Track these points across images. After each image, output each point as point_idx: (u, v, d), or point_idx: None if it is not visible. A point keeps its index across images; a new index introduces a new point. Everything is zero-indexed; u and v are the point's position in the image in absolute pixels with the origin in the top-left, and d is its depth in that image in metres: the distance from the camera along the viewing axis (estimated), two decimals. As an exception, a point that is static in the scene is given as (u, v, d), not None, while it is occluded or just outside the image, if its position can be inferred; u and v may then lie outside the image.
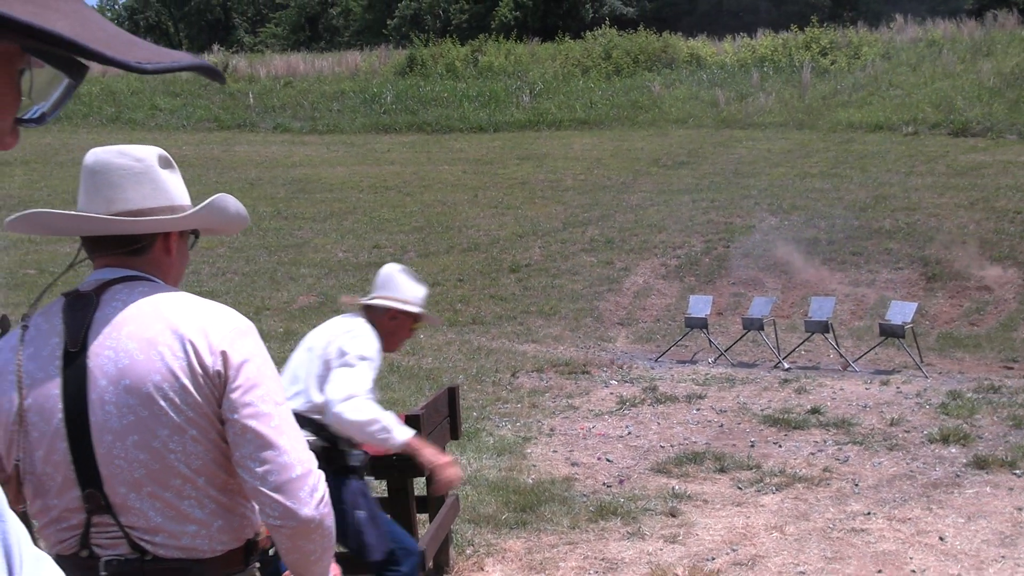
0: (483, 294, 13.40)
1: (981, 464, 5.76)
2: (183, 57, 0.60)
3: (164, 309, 1.56)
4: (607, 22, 31.81)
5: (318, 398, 3.09)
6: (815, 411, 7.36)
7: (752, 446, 6.55)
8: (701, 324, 10.13)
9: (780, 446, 6.51)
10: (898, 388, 8.26)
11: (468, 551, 4.67)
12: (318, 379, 3.12)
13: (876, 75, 24.80)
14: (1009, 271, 12.60)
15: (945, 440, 6.37)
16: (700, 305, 10.36)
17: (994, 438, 6.42)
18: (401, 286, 3.35)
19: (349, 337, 3.16)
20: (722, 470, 6.02)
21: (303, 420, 3.06)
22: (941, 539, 4.66)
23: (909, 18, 29.93)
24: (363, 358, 3.10)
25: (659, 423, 7.28)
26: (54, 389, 1.53)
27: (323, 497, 1.60)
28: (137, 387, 1.51)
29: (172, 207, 1.65)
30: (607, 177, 19.18)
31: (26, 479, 1.56)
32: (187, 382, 1.52)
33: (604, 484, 5.74)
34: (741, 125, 22.68)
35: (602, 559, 4.58)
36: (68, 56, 0.55)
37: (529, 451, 6.56)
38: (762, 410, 7.57)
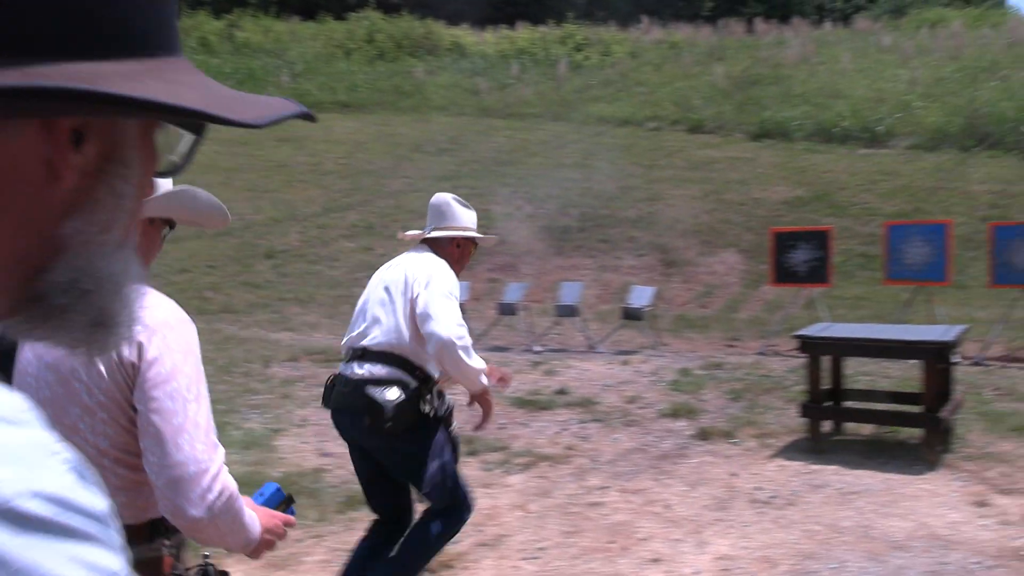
0: (235, 281, 12.85)
1: (704, 435, 6.29)
2: (287, 106, 0.67)
3: None
4: (371, 5, 31.45)
5: (407, 333, 3.19)
6: (561, 391, 7.71)
7: (502, 428, 6.75)
8: (458, 310, 10.33)
9: (528, 427, 6.76)
10: (636, 368, 8.85)
11: (206, 551, 4.44)
12: (405, 316, 3.20)
13: (625, 72, 26.32)
14: (733, 257, 13.87)
15: (675, 414, 6.89)
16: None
17: (716, 411, 7.03)
18: (459, 214, 3.46)
19: (431, 273, 3.22)
20: (472, 453, 6.14)
21: (389, 356, 3.20)
22: (667, 507, 5.03)
23: (654, 21, 32.03)
24: (451, 293, 3.20)
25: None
26: None
27: (217, 498, 1.58)
28: (56, 366, 1.60)
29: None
30: (369, 162, 19.01)
31: None
32: (101, 367, 1.58)
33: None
34: (501, 115, 23.28)
35: (348, 550, 4.52)
36: (195, 121, 0.64)
37: (279, 443, 6.37)
38: (512, 392, 7.82)
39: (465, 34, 29.37)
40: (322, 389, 3.64)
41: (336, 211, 16.04)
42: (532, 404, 7.32)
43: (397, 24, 28.74)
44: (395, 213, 15.60)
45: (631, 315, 9.85)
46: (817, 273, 9.52)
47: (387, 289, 3.30)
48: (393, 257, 3.64)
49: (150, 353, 1.59)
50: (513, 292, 10.64)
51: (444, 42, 28.29)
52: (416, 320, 3.18)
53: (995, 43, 24.63)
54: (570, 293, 10.28)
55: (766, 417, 6.70)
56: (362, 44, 27.68)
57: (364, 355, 3.26)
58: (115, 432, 1.61)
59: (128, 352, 1.58)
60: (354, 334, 3.39)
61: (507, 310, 10.29)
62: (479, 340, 10.47)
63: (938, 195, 15.68)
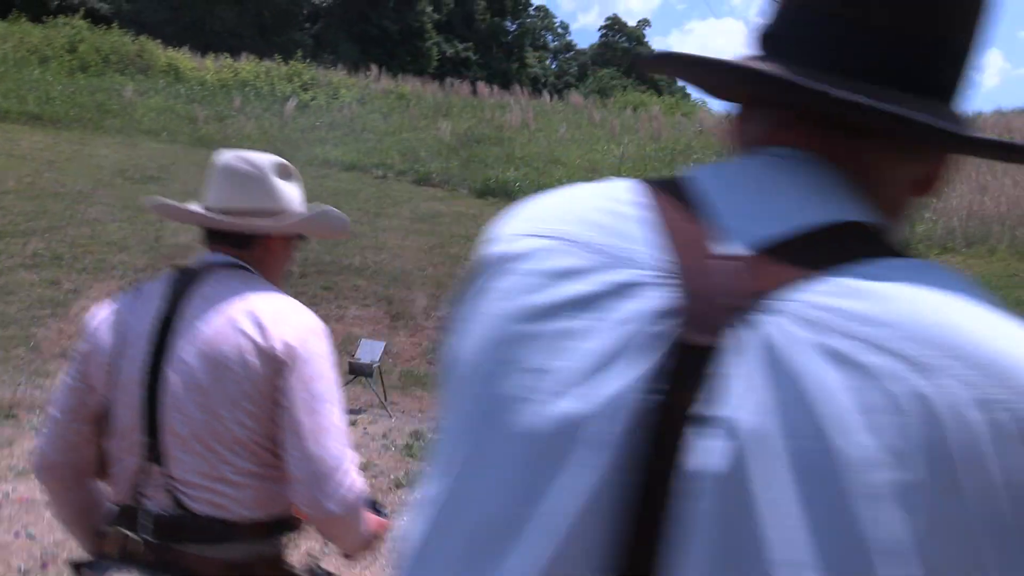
0: None
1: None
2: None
3: (250, 295, 1.75)
4: (77, 12, 28.47)
5: None
6: (283, 457, 6.96)
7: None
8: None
9: (245, 501, 5.95)
10: (365, 429, 8.26)
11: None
12: None
13: (352, 117, 25.92)
14: (461, 313, 13.77)
15: (411, 485, 6.40)
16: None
17: (452, 480, 6.65)
18: None
19: None
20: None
21: None
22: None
23: (383, 70, 32.06)
24: None
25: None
26: (144, 343, 1.71)
27: (350, 495, 1.68)
28: (210, 355, 1.67)
29: (280, 211, 1.88)
30: (60, 183, 16.83)
31: (108, 418, 1.73)
32: (254, 361, 1.66)
33: (21, 571, 4.55)
34: (219, 146, 21.70)
35: None
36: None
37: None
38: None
39: (183, 58, 27.44)
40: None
41: (15, 236, 13.90)
42: (250, 473, 6.49)
43: (105, 37, 26.16)
44: (89, 244, 13.81)
45: (359, 370, 9.26)
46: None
47: None
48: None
49: (300, 354, 1.69)
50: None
51: (159, 63, 26.18)
52: None
53: (688, 129, 27.32)
54: (293, 345, 9.52)
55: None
56: (62, 53, 24.82)
57: None
58: (255, 424, 1.68)
59: (280, 350, 1.67)
60: None
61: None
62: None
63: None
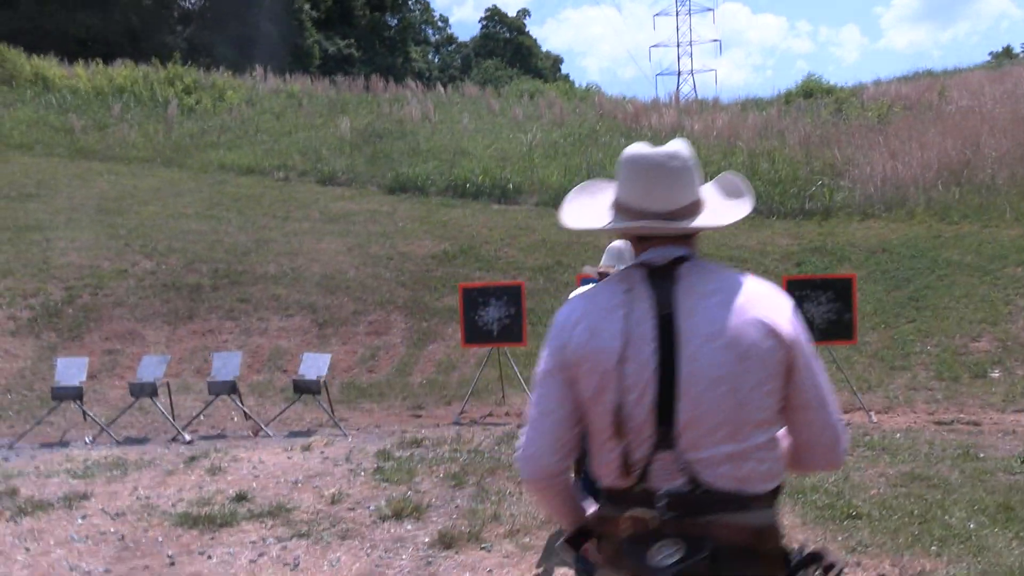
0: None
1: (447, 543, 5.03)
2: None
3: (738, 284, 1.84)
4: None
5: None
6: (241, 497, 5.97)
7: (172, 564, 4.88)
8: (75, 394, 7.95)
9: (210, 557, 4.96)
10: (323, 452, 7.32)
11: None
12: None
13: (243, 119, 24.48)
14: (392, 315, 12.85)
15: (398, 515, 5.54)
16: (72, 370, 8.16)
17: (443, 503, 5.82)
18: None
19: None
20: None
21: None
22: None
23: (269, 70, 30.53)
24: None
25: (27, 548, 5.10)
26: (649, 344, 1.78)
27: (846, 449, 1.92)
28: (731, 347, 1.76)
29: (699, 200, 1.93)
30: (-76, 208, 15.05)
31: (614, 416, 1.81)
32: (770, 345, 1.77)
33: None
34: (101, 157, 20.14)
35: None
36: None
37: None
38: (173, 505, 5.90)
39: (51, 66, 25.32)
40: None
41: None
42: (207, 521, 5.49)
43: (-41, 47, 23.89)
44: (-34, 272, 12.28)
45: (305, 388, 8.30)
46: (510, 331, 8.79)
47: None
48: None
49: (800, 332, 1.83)
50: (150, 367, 8.51)
51: (24, 72, 24.06)
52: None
53: (588, 114, 26.95)
54: (226, 365, 8.44)
55: (508, 508, 5.62)
56: (-90, 67, 22.52)
57: None
58: (773, 402, 1.80)
59: (787, 332, 1.79)
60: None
61: (144, 391, 8.15)
62: (101, 432, 8.18)
63: (574, 249, 16.16)
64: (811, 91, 31.78)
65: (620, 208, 1.92)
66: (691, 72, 63.78)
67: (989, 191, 16.72)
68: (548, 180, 19.86)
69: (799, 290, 8.42)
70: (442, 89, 32.49)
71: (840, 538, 4.81)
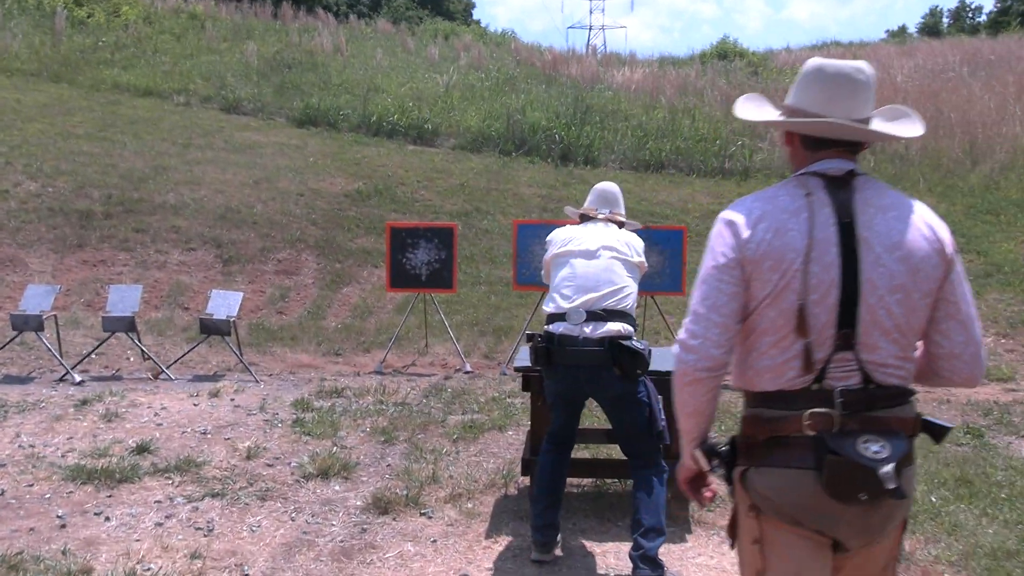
0: None
1: (382, 507, 4.52)
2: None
3: (906, 201, 1.98)
4: None
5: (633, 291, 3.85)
6: (143, 449, 5.30)
7: (63, 526, 4.23)
8: (-55, 325, 7.01)
9: (108, 519, 4.33)
10: (233, 400, 6.67)
11: None
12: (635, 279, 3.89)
13: (140, 38, 22.79)
14: (303, 254, 12.10)
15: (324, 474, 5.00)
16: (-58, 298, 7.20)
17: (374, 462, 5.30)
18: (623, 203, 4.21)
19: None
20: (18, 580, 3.64)
21: (625, 315, 3.75)
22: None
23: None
24: None
25: None
26: (832, 248, 1.88)
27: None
28: (907, 259, 1.90)
29: (870, 118, 2.01)
30: None
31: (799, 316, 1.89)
32: (936, 262, 1.92)
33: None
34: (-21, 66, 18.34)
35: None
36: None
37: None
38: (63, 456, 5.20)
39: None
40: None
41: None
42: (104, 475, 4.83)
43: None
44: None
45: (214, 328, 7.57)
46: (440, 276, 8.23)
47: (610, 257, 3.83)
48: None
49: (956, 251, 1.98)
50: (36, 298, 7.60)
51: None
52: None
53: (506, 60, 26.27)
54: (124, 300, 7.61)
55: (447, 470, 5.15)
56: None
57: (608, 315, 3.71)
58: (927, 312, 1.95)
59: (949, 251, 1.95)
60: (587, 298, 3.73)
61: (28, 324, 7.27)
62: (-22, 368, 7.29)
63: (492, 195, 15.64)
64: (725, 53, 31.90)
65: (795, 114, 2.00)
66: (602, 28, 63.31)
67: (903, 161, 16.98)
68: (467, 123, 19.18)
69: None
70: (356, 21, 31.17)
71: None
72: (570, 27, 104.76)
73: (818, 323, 1.86)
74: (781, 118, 2.03)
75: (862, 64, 1.98)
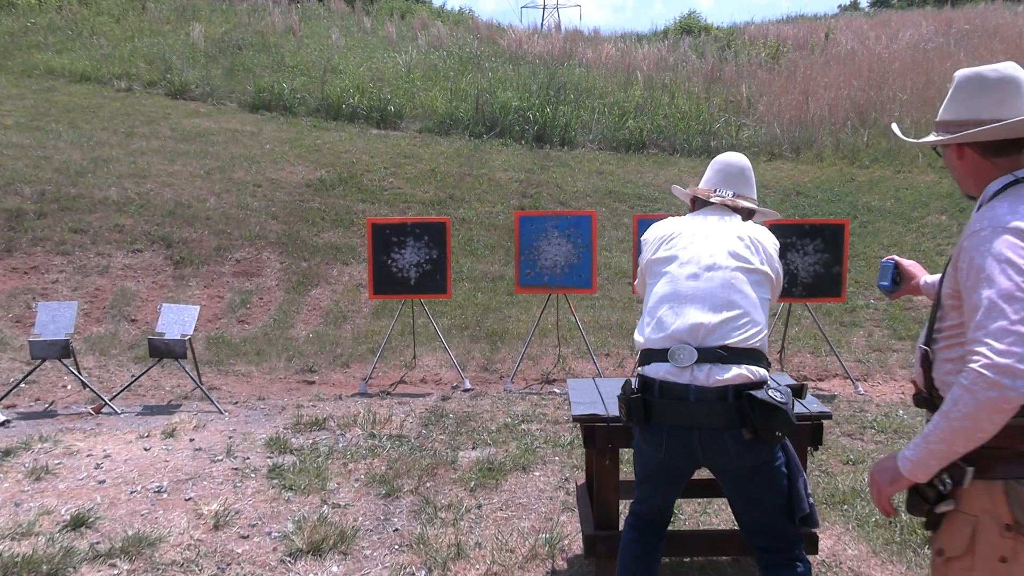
0: None
1: (399, 599, 3.45)
2: None
3: None
4: None
5: (766, 321, 2.71)
6: (80, 522, 4.14)
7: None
8: None
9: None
10: (192, 440, 5.51)
11: None
12: (763, 302, 2.71)
13: (75, 19, 21.19)
14: (264, 253, 10.87)
15: (316, 550, 3.90)
16: None
17: (377, 527, 4.19)
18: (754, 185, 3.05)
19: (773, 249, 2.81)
20: None
21: (756, 353, 2.62)
22: None
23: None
24: None
25: None
26: None
27: None
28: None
29: None
30: None
31: None
32: None
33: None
34: None
35: None
36: None
37: None
38: (-27, 537, 4.02)
39: None
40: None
41: None
42: (27, 568, 3.67)
43: None
44: None
45: (163, 350, 6.37)
46: (432, 279, 7.10)
47: (733, 268, 2.68)
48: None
49: None
50: (-54, 322, 6.33)
51: None
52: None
53: (467, 38, 25.10)
54: (57, 318, 6.37)
55: (471, 534, 4.07)
56: None
57: (730, 354, 2.57)
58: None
59: None
60: (698, 329, 2.61)
61: (-64, 354, 6.02)
62: None
63: (467, 181, 14.50)
64: (690, 28, 31.02)
65: (964, 126, 1.97)
66: (556, 6, 62.05)
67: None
68: (432, 105, 17.98)
69: (787, 236, 7.18)
70: (308, 0, 29.68)
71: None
72: (524, 6, 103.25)
73: None
74: (948, 136, 2.00)
75: (1010, 63, 1.99)
